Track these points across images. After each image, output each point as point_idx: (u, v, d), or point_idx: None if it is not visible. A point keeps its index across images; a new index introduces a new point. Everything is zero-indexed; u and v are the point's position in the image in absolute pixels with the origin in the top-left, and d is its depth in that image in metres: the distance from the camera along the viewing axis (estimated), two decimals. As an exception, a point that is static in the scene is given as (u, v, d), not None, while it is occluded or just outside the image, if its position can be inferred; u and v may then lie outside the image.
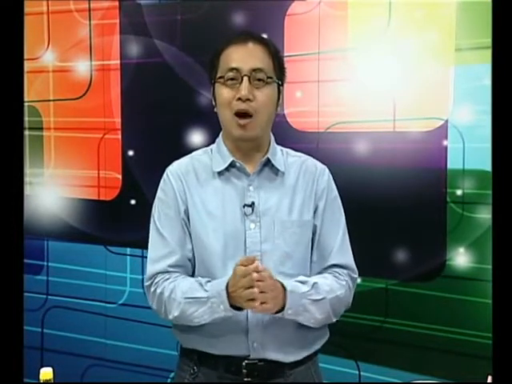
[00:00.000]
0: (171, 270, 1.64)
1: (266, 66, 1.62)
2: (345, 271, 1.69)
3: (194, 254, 1.66)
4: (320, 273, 1.69)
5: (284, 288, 1.54)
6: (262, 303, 1.49)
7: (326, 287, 1.62)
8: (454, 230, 2.25)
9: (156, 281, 1.64)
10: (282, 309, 1.54)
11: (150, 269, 1.66)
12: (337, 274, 1.67)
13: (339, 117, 2.40)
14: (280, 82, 1.67)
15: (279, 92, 1.67)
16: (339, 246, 1.70)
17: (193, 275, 1.67)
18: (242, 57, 1.61)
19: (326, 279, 1.64)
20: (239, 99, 1.59)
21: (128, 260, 2.84)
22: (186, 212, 1.65)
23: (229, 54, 1.62)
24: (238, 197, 1.64)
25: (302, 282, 1.59)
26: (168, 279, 1.63)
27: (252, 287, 1.47)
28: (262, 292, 1.48)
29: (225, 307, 1.53)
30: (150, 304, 1.68)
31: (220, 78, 1.62)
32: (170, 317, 1.62)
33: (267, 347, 1.60)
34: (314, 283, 1.60)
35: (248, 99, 1.59)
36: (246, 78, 1.59)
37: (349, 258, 1.72)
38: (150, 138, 2.76)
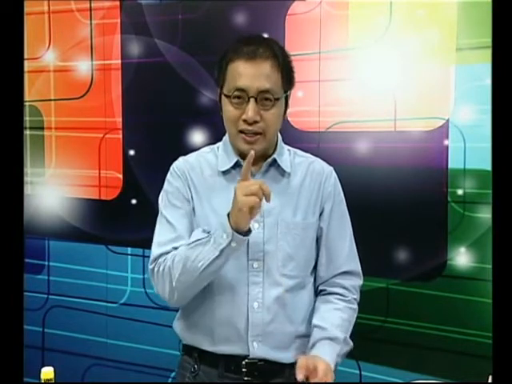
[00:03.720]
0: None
1: (274, 85, 1.58)
2: (355, 284, 1.72)
3: None
4: (327, 281, 1.71)
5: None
6: None
7: (346, 326, 1.65)
8: (455, 229, 2.25)
9: (161, 260, 1.60)
10: None
11: (155, 251, 1.63)
12: (349, 296, 1.70)
13: (340, 116, 2.39)
14: (288, 93, 1.65)
15: (287, 101, 1.66)
16: (349, 250, 1.72)
17: None
18: (250, 76, 1.56)
19: (342, 313, 1.66)
20: (245, 121, 1.58)
21: (129, 259, 2.84)
22: (192, 206, 1.65)
23: (236, 68, 1.58)
24: None
25: (331, 339, 1.59)
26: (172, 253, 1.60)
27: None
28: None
29: (227, 234, 1.48)
30: (155, 288, 1.65)
31: (227, 95, 1.60)
32: (174, 283, 1.55)
33: (267, 347, 1.60)
34: (344, 338, 1.62)
35: (255, 121, 1.58)
36: (252, 100, 1.56)
37: (358, 263, 1.75)
38: (151, 137, 2.76)
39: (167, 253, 1.60)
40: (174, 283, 1.56)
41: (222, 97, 1.63)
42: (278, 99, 1.59)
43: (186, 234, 1.62)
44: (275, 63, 1.58)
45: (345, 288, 1.70)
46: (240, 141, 1.61)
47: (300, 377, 1.46)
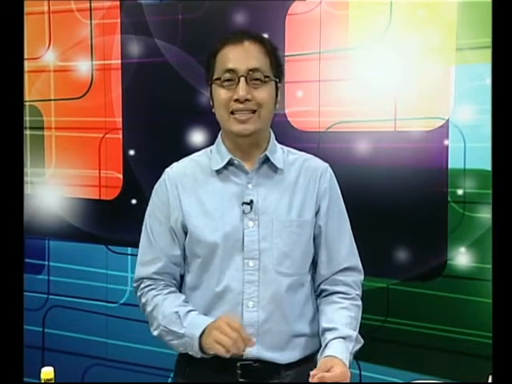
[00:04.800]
0: (156, 277, 1.69)
1: (263, 65, 1.60)
2: (356, 280, 1.72)
3: (188, 256, 1.68)
4: (328, 279, 1.70)
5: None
6: None
7: (355, 323, 1.65)
8: (455, 229, 2.25)
9: (142, 286, 1.71)
10: None
11: (137, 271, 1.75)
12: (352, 293, 1.70)
13: (340, 116, 2.39)
14: (278, 80, 1.66)
15: (277, 90, 1.66)
16: (349, 246, 1.72)
17: (184, 277, 1.71)
18: (238, 57, 1.59)
19: (349, 311, 1.66)
20: (237, 100, 1.58)
21: (129, 259, 2.84)
22: (179, 218, 1.65)
23: (224, 54, 1.61)
24: (237, 195, 1.64)
25: (344, 338, 1.59)
26: (152, 290, 1.69)
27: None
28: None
29: (196, 351, 1.56)
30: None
31: (217, 79, 1.61)
32: (151, 330, 1.68)
33: (262, 347, 1.59)
34: (356, 337, 1.62)
35: (246, 99, 1.58)
36: (242, 79, 1.58)
37: (358, 259, 1.75)
38: (151, 137, 2.76)
39: (148, 278, 1.70)
40: (150, 328, 1.69)
41: (213, 85, 1.64)
42: (268, 77, 1.61)
43: (163, 254, 1.69)
44: (262, 48, 1.62)
45: (347, 285, 1.70)
46: (232, 122, 1.61)
47: (314, 373, 1.46)
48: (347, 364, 1.53)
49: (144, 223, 1.74)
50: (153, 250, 1.69)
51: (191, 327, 1.56)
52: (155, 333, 1.65)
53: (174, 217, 1.66)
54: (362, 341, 1.66)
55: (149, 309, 1.67)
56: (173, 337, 1.60)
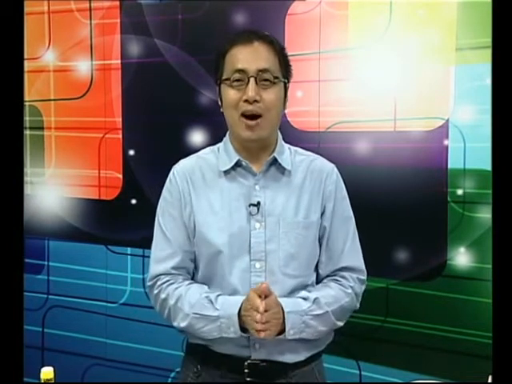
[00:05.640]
0: (174, 272, 1.65)
1: (272, 66, 1.60)
2: (354, 275, 1.70)
3: (196, 254, 1.67)
4: (329, 275, 1.70)
5: (283, 309, 1.55)
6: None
7: (329, 299, 1.62)
8: (455, 229, 2.25)
9: (159, 283, 1.65)
10: (284, 330, 1.55)
11: (153, 269, 1.68)
12: (343, 281, 1.68)
13: (340, 116, 2.39)
14: (286, 81, 1.66)
15: (286, 90, 1.66)
16: (349, 247, 1.71)
17: (193, 275, 1.69)
18: (248, 57, 1.59)
19: (330, 289, 1.65)
20: (246, 101, 1.58)
21: (129, 259, 2.84)
22: (191, 213, 1.65)
23: (234, 54, 1.61)
24: (244, 196, 1.64)
25: (304, 298, 1.59)
26: (172, 284, 1.64)
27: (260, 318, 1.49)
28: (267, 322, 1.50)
29: (235, 330, 1.54)
30: (153, 304, 1.70)
31: (226, 79, 1.61)
32: (175, 324, 1.63)
33: (269, 348, 1.59)
34: (315, 299, 1.60)
35: (255, 101, 1.58)
36: (252, 80, 1.58)
37: (359, 260, 1.73)
38: (151, 137, 2.76)
39: (166, 274, 1.65)
40: (173, 323, 1.64)
41: (222, 85, 1.63)
42: (277, 78, 1.61)
43: (180, 249, 1.65)
44: (271, 48, 1.62)
45: (342, 276, 1.69)
46: (241, 126, 1.60)
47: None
48: (285, 309, 1.54)
49: (156, 222, 1.70)
50: (169, 246, 1.66)
51: (226, 307, 1.55)
52: (182, 324, 1.60)
53: (187, 212, 1.65)
54: (327, 309, 1.61)
55: (171, 302, 1.62)
56: (206, 322, 1.57)
